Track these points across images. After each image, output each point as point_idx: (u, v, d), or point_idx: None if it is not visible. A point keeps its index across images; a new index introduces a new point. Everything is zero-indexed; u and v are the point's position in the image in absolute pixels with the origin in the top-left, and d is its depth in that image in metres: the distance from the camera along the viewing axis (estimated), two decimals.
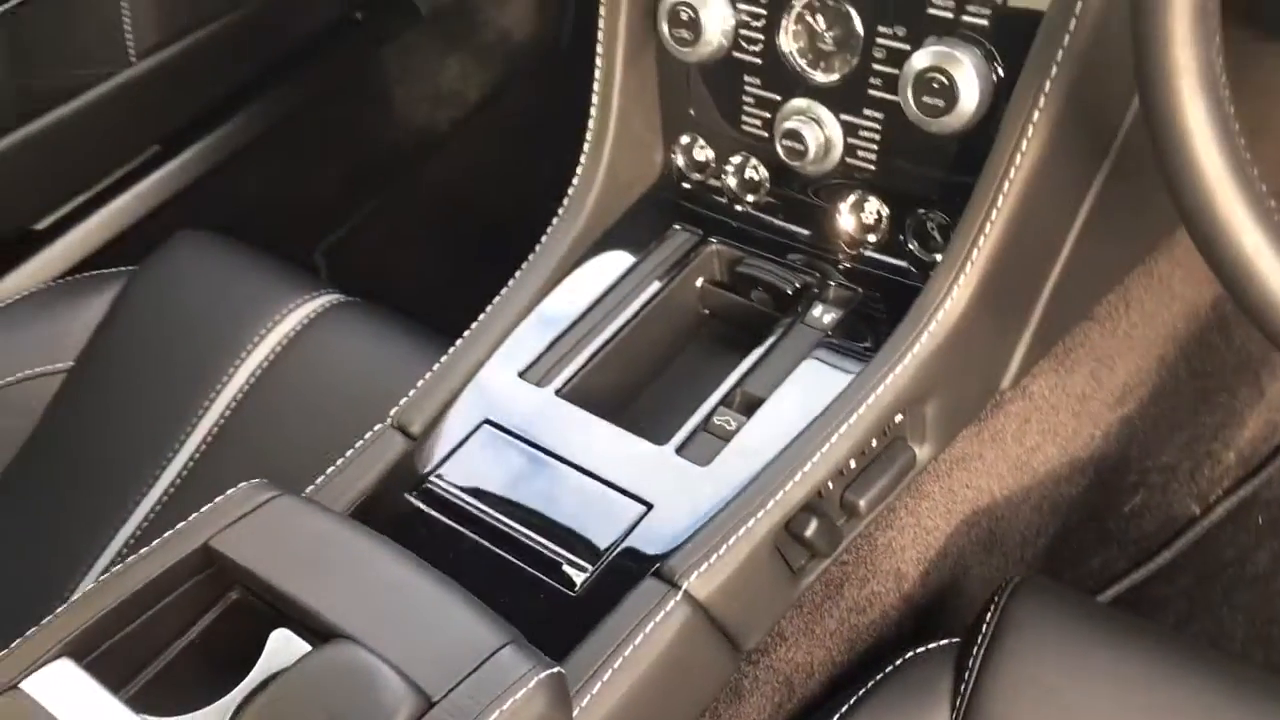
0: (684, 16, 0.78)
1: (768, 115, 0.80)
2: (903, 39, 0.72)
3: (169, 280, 1.08)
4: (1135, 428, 0.96)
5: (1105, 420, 0.93)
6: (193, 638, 0.62)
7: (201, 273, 1.07)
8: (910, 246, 0.77)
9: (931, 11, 0.71)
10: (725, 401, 0.73)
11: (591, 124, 0.83)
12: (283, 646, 0.58)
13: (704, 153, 0.85)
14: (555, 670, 0.56)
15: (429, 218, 1.48)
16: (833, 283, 0.78)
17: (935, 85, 0.69)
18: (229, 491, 0.64)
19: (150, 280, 1.09)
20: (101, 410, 1.03)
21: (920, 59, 0.70)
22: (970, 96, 0.69)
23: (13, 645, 0.57)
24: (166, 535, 0.62)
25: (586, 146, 0.84)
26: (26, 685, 0.55)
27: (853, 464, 0.70)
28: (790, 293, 0.79)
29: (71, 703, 0.55)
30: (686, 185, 0.86)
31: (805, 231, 0.81)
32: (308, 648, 0.57)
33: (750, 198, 0.83)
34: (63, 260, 1.24)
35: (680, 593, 0.63)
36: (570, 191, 0.83)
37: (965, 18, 0.70)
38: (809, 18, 0.76)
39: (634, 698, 0.61)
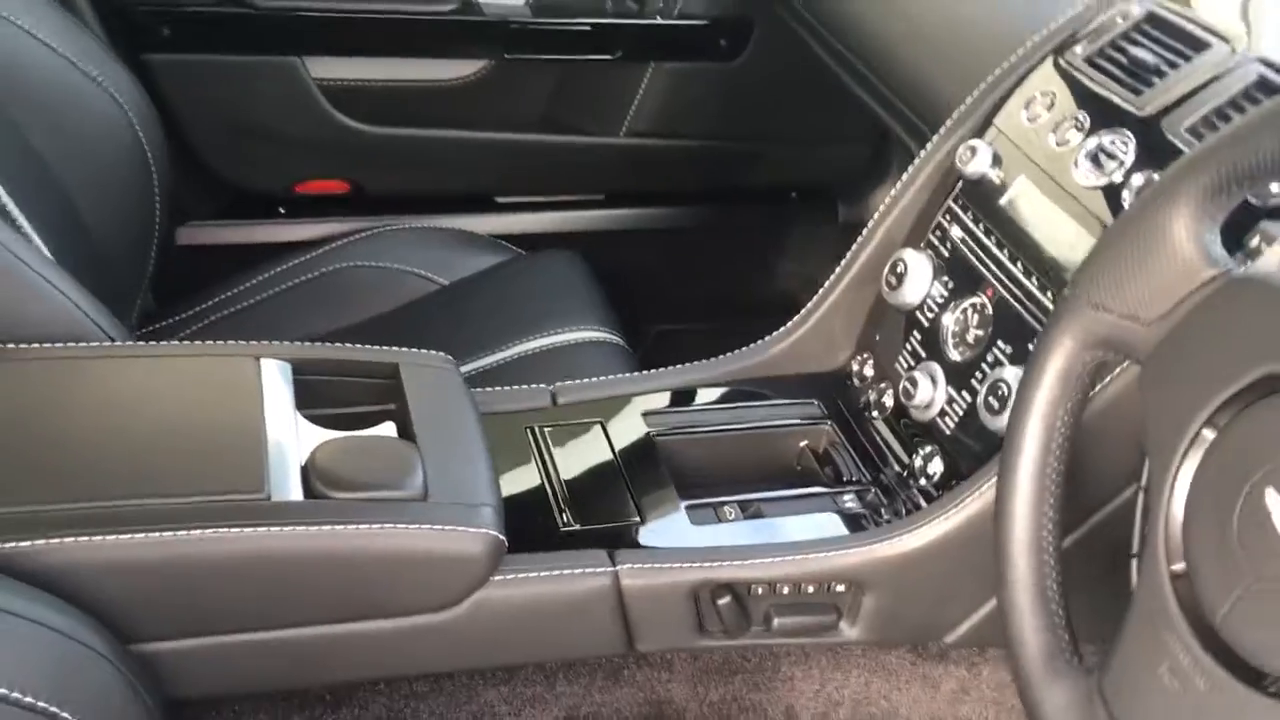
0: (898, 269, 1.06)
1: (912, 363, 1.05)
2: (1008, 355, 0.95)
3: (527, 269, 1.49)
4: None
5: None
6: (360, 410, 0.97)
7: (547, 278, 1.47)
8: None
9: (1029, 345, 0.94)
10: (742, 505, 0.98)
11: (803, 310, 1.13)
12: (381, 431, 0.92)
13: (869, 370, 1.11)
14: (502, 539, 0.86)
15: None
16: (875, 490, 1.01)
17: (1000, 390, 0.92)
18: (433, 351, 0.99)
19: (520, 265, 1.51)
20: (435, 325, 1.44)
21: (1004, 371, 0.93)
22: None
23: (271, 342, 0.95)
24: (382, 347, 0.98)
25: (789, 322, 1.13)
26: (263, 360, 0.93)
27: (786, 591, 0.93)
28: (844, 479, 1.03)
29: (273, 385, 0.92)
30: (846, 384, 1.12)
31: (890, 454, 1.05)
32: (393, 435, 0.91)
33: (874, 414, 1.08)
34: (493, 227, 1.69)
35: (613, 570, 0.90)
36: (760, 340, 1.13)
37: None
38: (970, 313, 1.01)
39: (532, 604, 0.88)
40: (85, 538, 0.76)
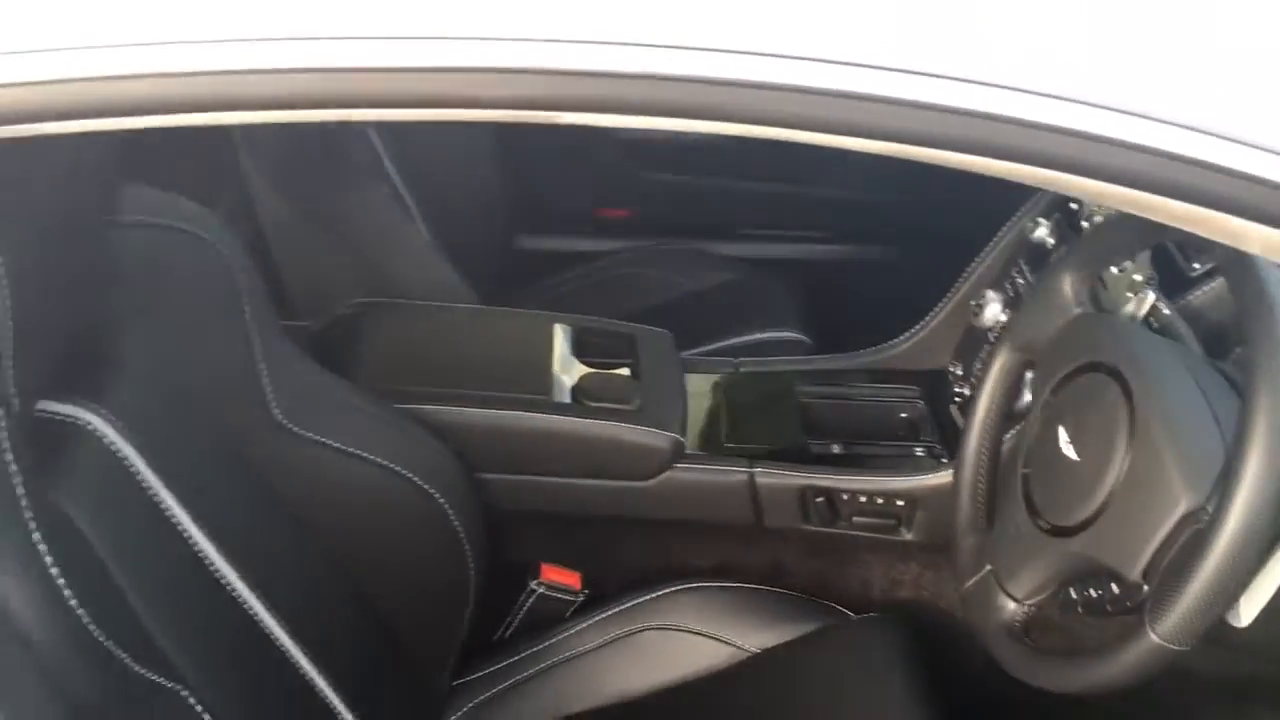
0: (980, 302, 1.54)
1: (981, 368, 1.53)
2: None
3: (752, 283, 2.05)
4: None
5: None
6: (609, 360, 1.56)
7: (765, 291, 2.02)
8: None
9: None
10: (846, 444, 1.50)
11: (917, 325, 1.62)
12: (620, 371, 1.51)
13: (958, 371, 1.59)
14: (683, 441, 1.42)
15: None
16: (939, 447, 1.50)
17: None
18: (658, 328, 1.57)
19: (748, 279, 2.07)
20: (679, 318, 2.02)
21: None
22: None
23: (562, 313, 1.56)
24: (627, 323, 1.57)
25: (907, 333, 1.63)
26: (555, 325, 1.54)
27: (863, 500, 1.44)
28: (920, 438, 1.52)
29: (560, 339, 1.52)
30: (941, 379, 1.61)
31: (956, 428, 1.53)
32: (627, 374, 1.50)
33: (955, 401, 1.56)
34: (733, 250, 2.24)
35: (750, 471, 1.44)
36: (887, 343, 1.63)
37: None
38: None
39: (699, 485, 1.43)
40: (454, 408, 1.39)
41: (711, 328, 1.92)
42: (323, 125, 1.56)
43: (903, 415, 1.58)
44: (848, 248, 2.29)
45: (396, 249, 1.62)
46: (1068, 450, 1.04)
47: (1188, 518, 0.90)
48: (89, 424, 0.99)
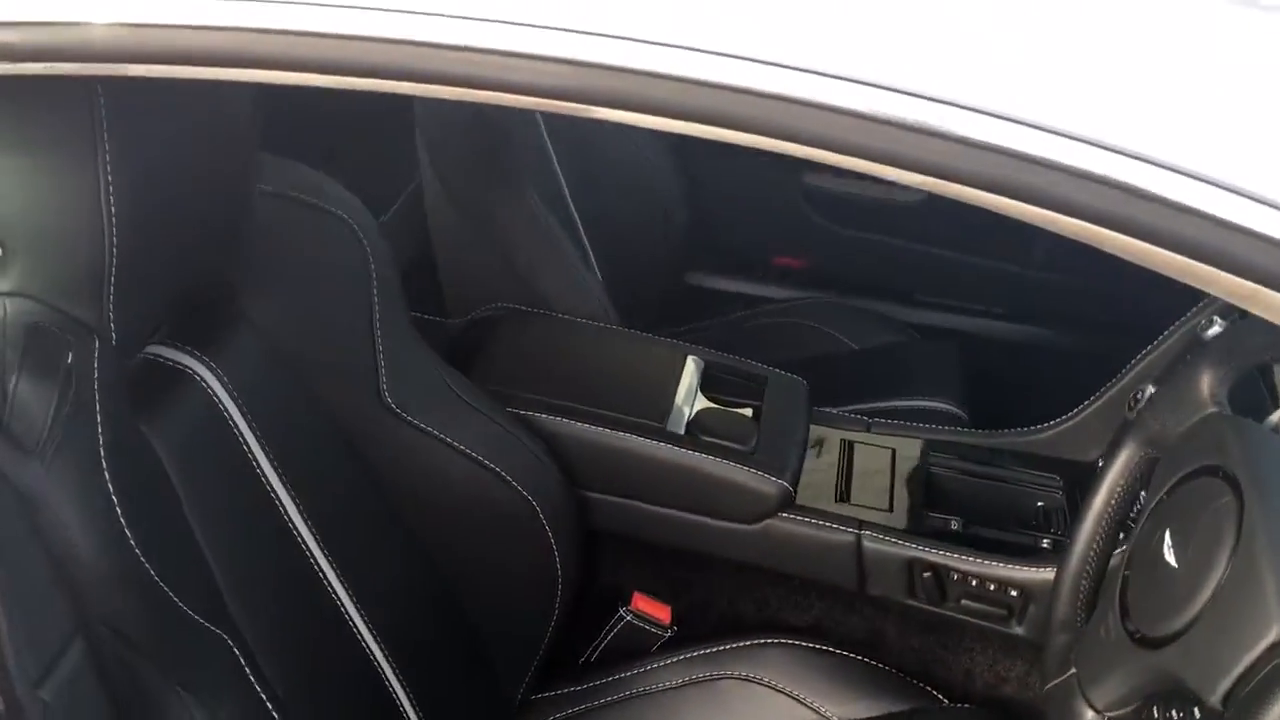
0: (1138, 396, 1.43)
1: None
2: None
3: (915, 350, 1.98)
4: None
5: None
6: (735, 399, 1.53)
7: (926, 359, 1.95)
8: None
9: None
10: (965, 523, 1.42)
11: (1067, 414, 1.52)
12: (742, 411, 1.48)
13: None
14: (790, 490, 1.38)
15: None
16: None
17: None
18: (794, 376, 1.54)
19: (912, 345, 2.00)
20: (834, 373, 1.97)
21: None
22: None
23: (696, 346, 1.55)
24: (760, 364, 1.54)
25: (1057, 418, 1.53)
26: (688, 356, 1.52)
27: (974, 583, 1.36)
28: (1051, 529, 1.42)
29: (689, 370, 1.51)
30: (1088, 472, 1.50)
31: None
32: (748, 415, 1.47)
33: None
34: (902, 314, 2.17)
35: (856, 534, 1.38)
36: (1036, 426, 1.54)
37: None
38: None
39: (801, 538, 1.38)
40: (565, 420, 1.39)
41: (864, 388, 1.86)
42: (501, 135, 1.64)
43: (1039, 504, 1.49)
44: (1024, 327, 2.18)
45: (548, 262, 1.65)
46: (1169, 555, 0.95)
47: (1276, 647, 0.81)
48: (196, 373, 1.05)
